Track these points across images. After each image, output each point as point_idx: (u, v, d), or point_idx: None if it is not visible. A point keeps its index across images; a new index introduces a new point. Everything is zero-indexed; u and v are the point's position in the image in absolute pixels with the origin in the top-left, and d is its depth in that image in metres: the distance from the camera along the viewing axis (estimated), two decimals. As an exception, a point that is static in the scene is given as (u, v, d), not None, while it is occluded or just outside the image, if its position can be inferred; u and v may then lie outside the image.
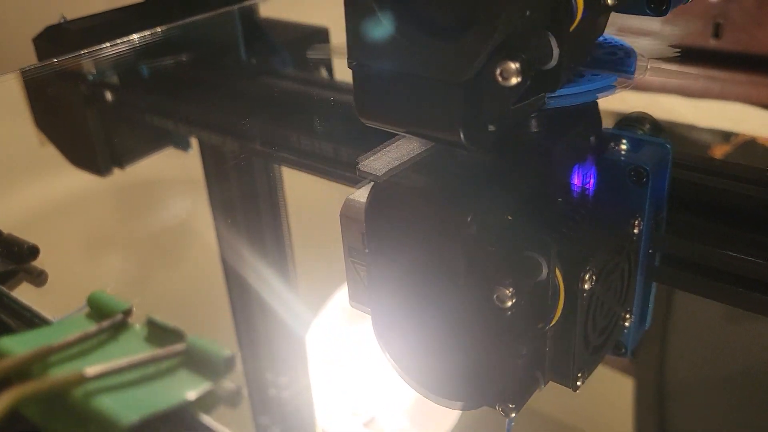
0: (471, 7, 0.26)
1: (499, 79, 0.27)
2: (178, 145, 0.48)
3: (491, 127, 0.30)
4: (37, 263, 0.34)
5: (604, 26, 0.38)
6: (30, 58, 0.58)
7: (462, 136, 0.28)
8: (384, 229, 0.28)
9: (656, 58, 0.44)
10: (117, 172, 0.45)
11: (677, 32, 0.48)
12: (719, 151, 0.41)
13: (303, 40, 0.63)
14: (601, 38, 0.42)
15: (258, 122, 0.47)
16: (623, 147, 0.34)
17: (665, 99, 0.46)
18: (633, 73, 0.39)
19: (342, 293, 0.33)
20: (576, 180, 0.33)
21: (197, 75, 0.56)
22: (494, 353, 0.25)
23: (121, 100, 0.54)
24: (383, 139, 0.35)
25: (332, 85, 0.53)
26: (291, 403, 0.29)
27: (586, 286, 0.26)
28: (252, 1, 0.69)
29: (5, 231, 0.35)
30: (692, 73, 0.49)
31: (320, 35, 0.62)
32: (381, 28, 0.28)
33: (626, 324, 0.28)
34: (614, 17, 0.47)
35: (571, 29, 0.30)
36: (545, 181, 0.32)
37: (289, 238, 0.38)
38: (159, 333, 0.26)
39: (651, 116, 0.39)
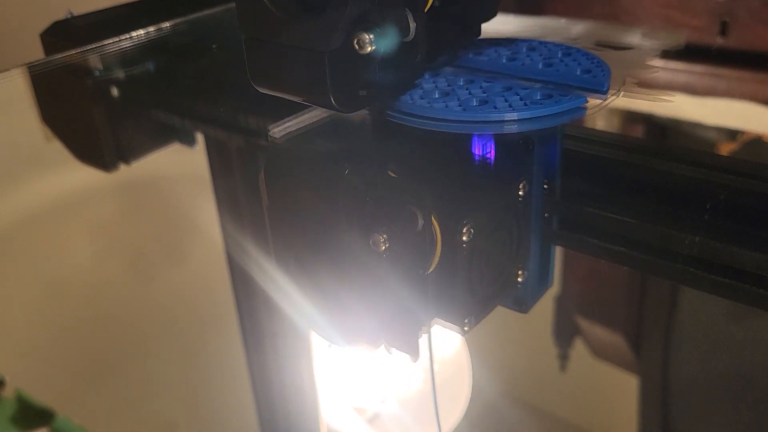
0: None
1: (356, 47, 0.32)
2: (184, 140, 0.48)
3: (362, 92, 0.34)
4: None
5: (495, 9, 0.42)
6: (37, 53, 0.58)
7: (332, 99, 0.33)
8: (279, 187, 0.34)
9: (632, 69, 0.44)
10: (123, 168, 0.45)
11: (657, 45, 0.48)
12: (725, 149, 0.41)
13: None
14: (578, 54, 0.43)
15: (264, 117, 0.47)
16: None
17: (671, 97, 0.46)
18: (606, 92, 0.40)
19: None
20: (475, 149, 0.37)
21: (203, 70, 0.56)
22: (376, 294, 0.28)
23: (127, 95, 0.54)
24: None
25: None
26: (295, 400, 0.29)
27: (465, 238, 0.29)
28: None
29: (8, 225, 0.35)
30: (698, 71, 0.49)
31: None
32: (263, 5, 0.32)
33: (519, 280, 0.31)
34: (595, 30, 0.47)
35: (426, 9, 0.35)
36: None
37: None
38: (28, 411, 0.25)
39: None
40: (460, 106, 0.39)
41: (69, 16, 0.61)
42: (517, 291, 0.31)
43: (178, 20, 0.63)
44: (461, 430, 0.26)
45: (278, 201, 0.33)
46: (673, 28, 0.50)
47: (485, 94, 0.40)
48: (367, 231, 0.29)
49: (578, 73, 0.41)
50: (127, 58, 0.58)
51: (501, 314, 0.30)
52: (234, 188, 0.42)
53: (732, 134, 0.42)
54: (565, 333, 0.30)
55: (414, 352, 0.27)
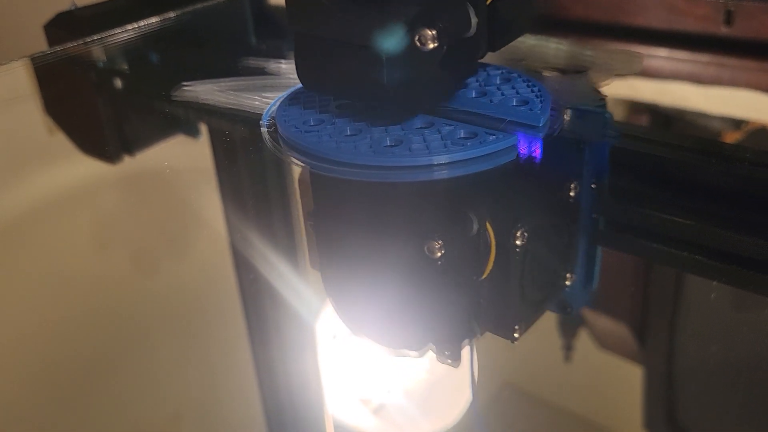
0: None
1: (418, 44, 0.30)
2: (188, 132, 0.48)
3: (419, 93, 0.33)
4: None
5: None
6: (41, 45, 0.58)
7: (391, 101, 0.32)
8: (330, 191, 0.32)
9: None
10: (127, 160, 0.45)
11: (611, 70, 0.46)
12: (730, 139, 0.41)
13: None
14: (519, 80, 0.38)
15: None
16: (566, 117, 0.36)
17: (676, 86, 0.46)
18: (541, 128, 0.35)
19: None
20: (522, 148, 0.34)
21: (207, 61, 0.56)
22: (429, 301, 0.28)
23: (131, 86, 0.54)
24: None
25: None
26: (300, 391, 0.29)
27: (518, 243, 0.28)
28: (261, -13, 0.69)
29: (12, 218, 0.35)
30: (703, 61, 0.49)
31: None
32: None
33: (567, 283, 0.30)
34: (547, 48, 0.45)
35: (488, 2, 0.33)
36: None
37: (299, 225, 0.38)
38: None
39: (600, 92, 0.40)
40: (371, 147, 0.33)
41: (73, 7, 0.61)
42: (563, 295, 0.30)
43: (182, 11, 0.63)
44: (465, 422, 0.26)
45: (324, 209, 0.32)
46: (678, 16, 0.50)
47: (403, 132, 0.34)
48: (422, 237, 0.28)
49: (514, 104, 0.36)
50: (131, 49, 0.58)
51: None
52: (239, 179, 0.42)
53: (736, 123, 0.42)
54: (569, 323, 0.30)
55: (458, 358, 0.27)
